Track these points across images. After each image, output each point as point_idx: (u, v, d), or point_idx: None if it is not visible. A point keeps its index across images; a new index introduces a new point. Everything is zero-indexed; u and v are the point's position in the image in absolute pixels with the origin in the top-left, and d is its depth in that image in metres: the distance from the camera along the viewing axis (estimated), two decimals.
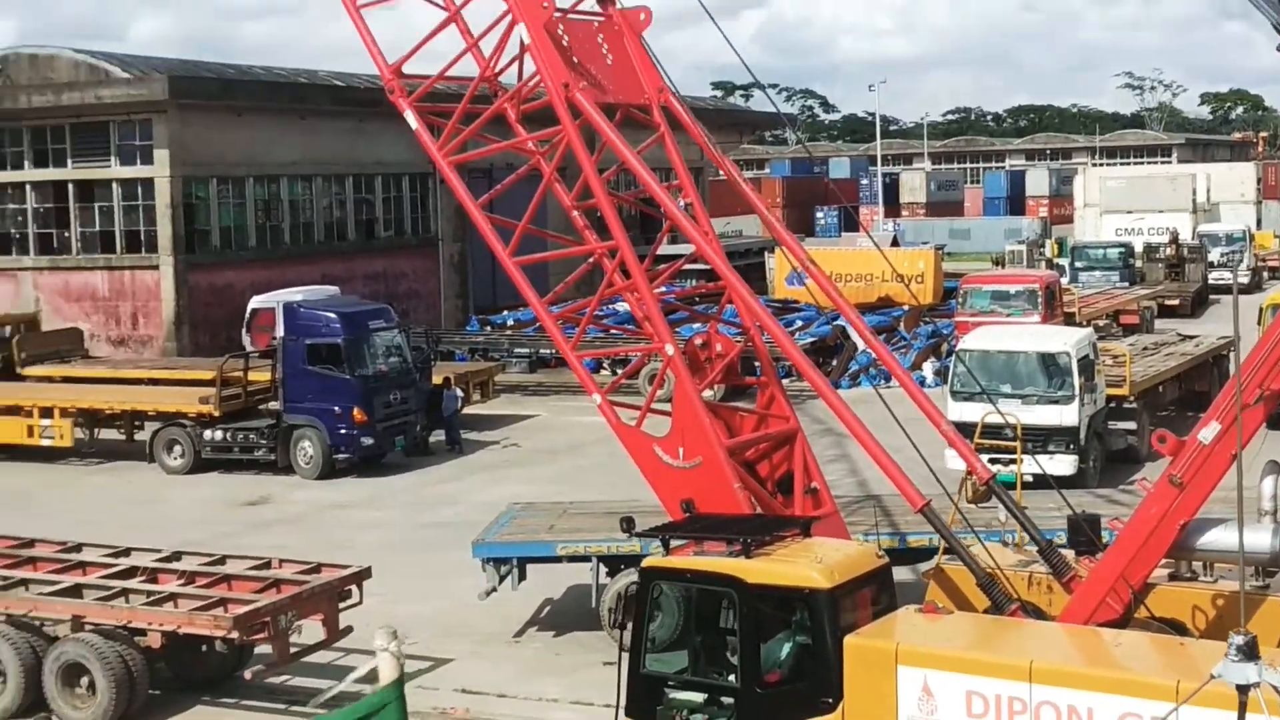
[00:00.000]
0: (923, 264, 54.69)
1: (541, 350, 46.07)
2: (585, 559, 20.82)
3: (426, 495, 31.93)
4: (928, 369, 43.33)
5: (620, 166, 17.98)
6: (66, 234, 48.96)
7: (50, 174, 48.76)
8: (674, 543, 14.29)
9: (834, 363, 43.61)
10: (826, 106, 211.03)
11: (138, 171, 47.24)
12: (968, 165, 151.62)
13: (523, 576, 21.41)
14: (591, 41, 18.03)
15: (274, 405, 34.26)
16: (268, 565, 20.12)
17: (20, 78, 48.62)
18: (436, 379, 37.08)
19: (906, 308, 50.84)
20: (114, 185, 47.74)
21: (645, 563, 14.29)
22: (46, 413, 35.85)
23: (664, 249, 20.28)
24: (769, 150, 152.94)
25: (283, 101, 51.76)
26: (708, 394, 17.71)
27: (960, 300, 43.47)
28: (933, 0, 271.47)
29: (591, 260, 18.05)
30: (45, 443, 35.86)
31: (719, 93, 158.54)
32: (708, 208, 24.37)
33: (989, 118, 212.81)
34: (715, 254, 17.20)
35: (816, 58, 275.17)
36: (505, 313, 52.66)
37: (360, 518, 30.07)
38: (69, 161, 48.46)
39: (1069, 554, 15.67)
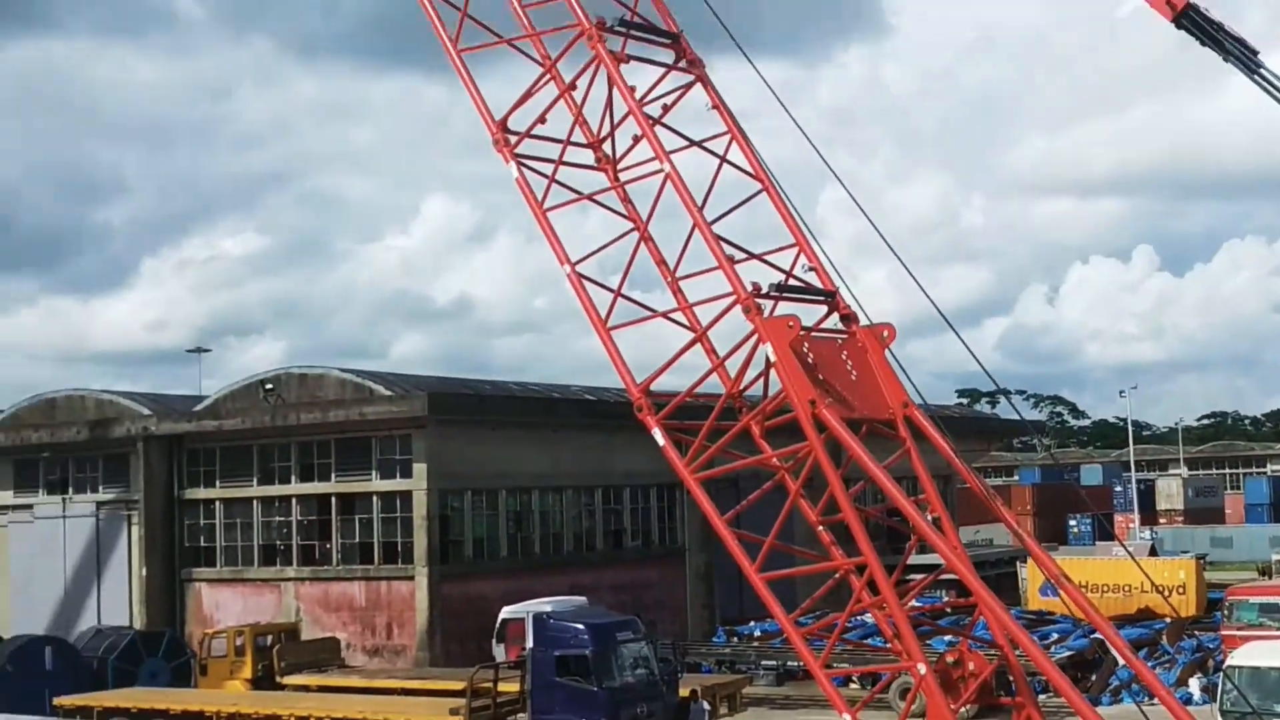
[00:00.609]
0: (1183, 574, 52.86)
1: (789, 663, 45.40)
2: None
3: None
4: (1194, 686, 41.38)
5: (867, 480, 18.03)
6: (328, 545, 50.67)
7: (315, 488, 50.82)
8: None
9: (1093, 678, 41.98)
10: (1075, 412, 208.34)
11: (397, 485, 48.93)
12: (1226, 471, 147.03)
13: None
14: (836, 357, 18.36)
15: (522, 716, 34.29)
16: None
17: (291, 396, 51.22)
18: (684, 691, 36.73)
19: (1168, 620, 48.90)
20: (374, 498, 49.46)
21: None
22: None
23: (913, 559, 20.08)
24: (1018, 457, 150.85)
25: (535, 416, 53.34)
26: (962, 713, 17.26)
27: (1226, 613, 41.69)
28: (1178, 305, 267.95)
29: (838, 576, 17.97)
30: None
31: (965, 400, 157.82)
32: (956, 515, 24.20)
33: (1246, 421, 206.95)
34: (964, 568, 16.99)
35: (1063, 363, 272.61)
36: (752, 623, 52.23)
37: None
38: (333, 475, 50.49)
39: None
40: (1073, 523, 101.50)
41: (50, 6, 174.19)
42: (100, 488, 55.01)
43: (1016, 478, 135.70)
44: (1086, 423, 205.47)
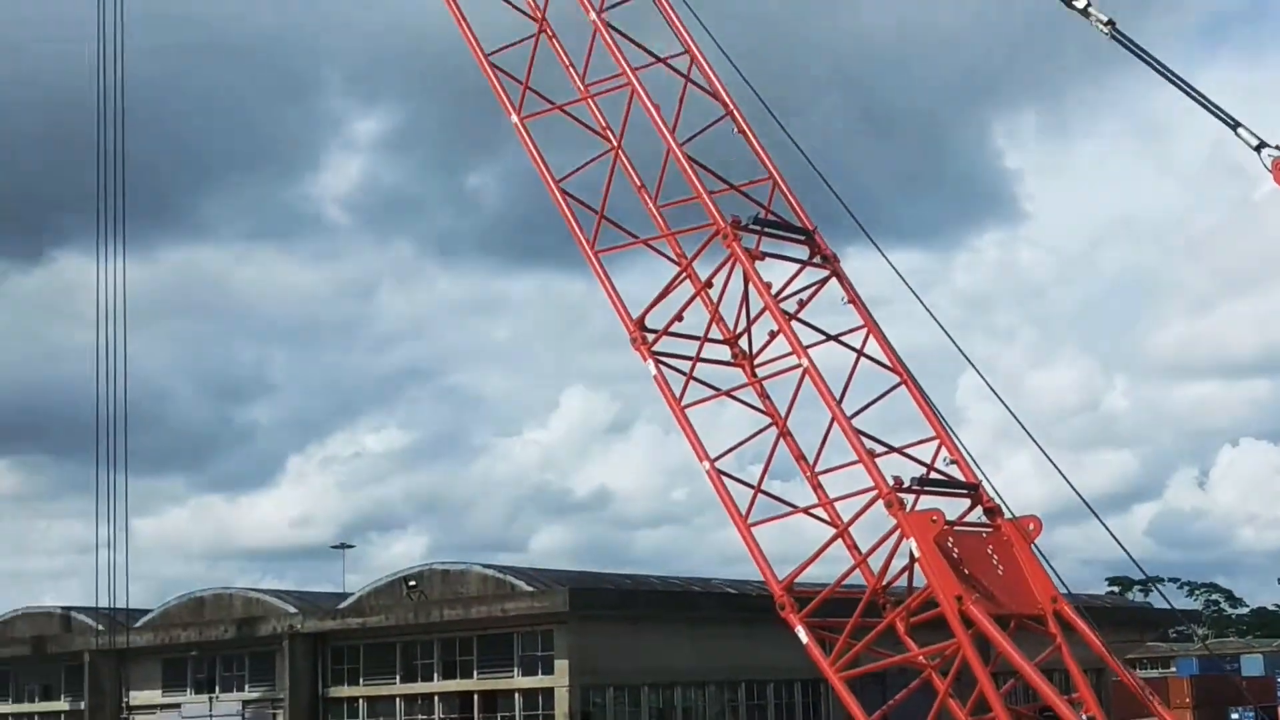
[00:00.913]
0: None
1: None
2: None
3: None
4: None
5: (1017, 677, 17.57)
6: None
7: (457, 685, 50.72)
8: None
9: None
10: (1232, 600, 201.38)
11: (539, 681, 48.65)
12: None
13: None
14: (981, 551, 18.05)
15: None
16: None
17: (433, 592, 51.45)
18: None
19: None
20: (516, 695, 49.16)
21: None
22: None
23: None
24: (1174, 647, 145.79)
25: (676, 610, 52.94)
26: None
27: None
28: None
29: None
30: None
31: (1116, 589, 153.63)
32: (1111, 710, 23.33)
33: None
34: None
35: (1217, 549, 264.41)
36: None
37: None
38: (475, 672, 50.35)
39: None
40: (1234, 716, 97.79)
41: (202, 215, 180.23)
42: (246, 686, 55.41)
43: (1173, 669, 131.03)
44: (1244, 610, 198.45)
